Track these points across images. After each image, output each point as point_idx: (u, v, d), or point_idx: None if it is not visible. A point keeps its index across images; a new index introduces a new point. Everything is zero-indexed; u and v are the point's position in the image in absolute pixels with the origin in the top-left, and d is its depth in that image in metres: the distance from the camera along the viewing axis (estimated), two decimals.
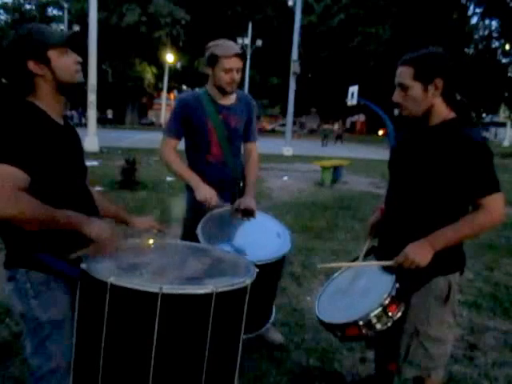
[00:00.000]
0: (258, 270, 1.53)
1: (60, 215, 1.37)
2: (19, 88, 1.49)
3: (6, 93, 1.52)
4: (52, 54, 1.46)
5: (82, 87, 1.57)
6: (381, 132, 46.08)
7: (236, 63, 2.32)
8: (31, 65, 1.44)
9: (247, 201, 2.38)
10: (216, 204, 2.30)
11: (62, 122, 1.57)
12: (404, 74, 1.71)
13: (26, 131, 1.38)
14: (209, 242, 2.01)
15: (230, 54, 2.29)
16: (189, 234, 2.26)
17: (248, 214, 2.35)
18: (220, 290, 1.32)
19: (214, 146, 2.46)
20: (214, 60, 2.32)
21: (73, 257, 1.42)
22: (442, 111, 1.72)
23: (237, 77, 2.35)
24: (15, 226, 1.39)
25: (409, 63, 1.70)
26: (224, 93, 2.41)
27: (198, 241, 2.03)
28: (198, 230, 2.10)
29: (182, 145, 2.58)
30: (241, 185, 2.59)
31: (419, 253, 1.65)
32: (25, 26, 1.50)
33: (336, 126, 34.95)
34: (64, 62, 1.48)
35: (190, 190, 2.44)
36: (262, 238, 2.30)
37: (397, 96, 1.75)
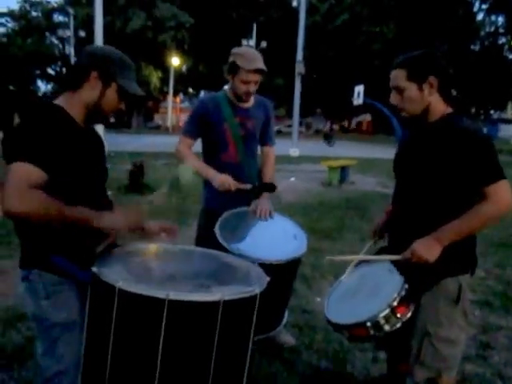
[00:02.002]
0: (272, 271, 1.52)
1: (71, 211, 1.39)
2: (68, 78, 1.59)
3: (34, 97, 1.59)
4: (114, 86, 1.56)
5: (104, 122, 1.70)
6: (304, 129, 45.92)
7: (254, 77, 2.33)
8: (94, 74, 1.52)
9: (263, 201, 2.39)
10: (236, 187, 2.27)
11: (85, 126, 1.61)
12: (398, 76, 1.73)
13: (47, 131, 1.41)
14: (227, 241, 2.02)
15: (251, 69, 2.30)
16: (204, 234, 2.26)
17: (269, 189, 2.35)
18: (228, 298, 1.30)
19: (229, 148, 2.48)
20: (234, 69, 2.33)
21: (99, 249, 1.45)
22: (440, 107, 1.74)
23: (253, 89, 2.37)
24: (32, 226, 1.43)
25: (401, 66, 1.73)
26: (240, 100, 2.44)
27: (213, 241, 2.03)
28: (216, 229, 2.11)
29: (199, 147, 2.61)
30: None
31: (427, 248, 1.64)
32: (128, 58, 1.61)
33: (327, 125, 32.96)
34: (114, 99, 1.58)
35: (206, 189, 2.45)
36: (279, 238, 2.30)
37: (394, 99, 1.78)
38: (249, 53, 2.36)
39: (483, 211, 1.62)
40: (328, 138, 28.12)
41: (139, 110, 39.22)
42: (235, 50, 2.38)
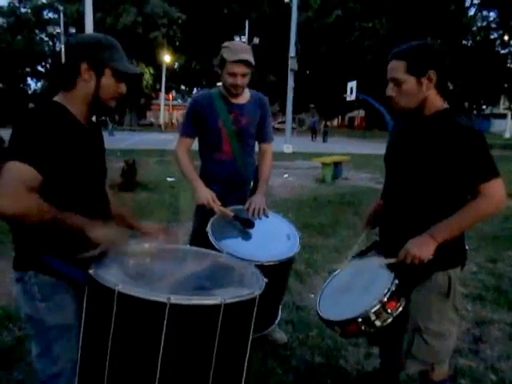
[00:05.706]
0: (264, 272, 1.51)
1: (64, 218, 1.37)
2: (60, 79, 1.52)
3: (35, 95, 1.54)
4: (108, 72, 1.50)
5: (109, 112, 1.61)
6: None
7: (240, 69, 2.30)
8: (83, 66, 1.47)
9: (258, 199, 2.37)
10: (216, 209, 2.26)
11: (87, 124, 1.58)
12: (396, 68, 1.68)
13: (47, 131, 1.38)
14: (219, 241, 2.00)
15: (235, 60, 2.27)
16: (199, 233, 2.25)
17: (247, 225, 2.25)
18: (228, 301, 1.30)
19: (224, 145, 2.47)
20: (222, 62, 2.33)
21: (80, 257, 1.41)
22: (436, 102, 1.71)
23: (240, 81, 2.34)
24: (26, 227, 1.39)
25: (400, 57, 1.68)
26: (231, 94, 2.42)
27: (207, 239, 2.01)
28: (208, 228, 2.09)
29: (195, 145, 2.59)
30: (251, 184, 2.56)
31: (421, 247, 1.63)
32: (111, 38, 1.55)
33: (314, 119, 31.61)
34: (111, 84, 1.52)
35: None
36: (272, 238, 2.27)
37: (390, 90, 1.73)
38: (234, 45, 2.35)
39: (478, 208, 1.62)
40: (314, 132, 28.26)
41: (132, 107, 38.98)
42: (224, 44, 2.38)
